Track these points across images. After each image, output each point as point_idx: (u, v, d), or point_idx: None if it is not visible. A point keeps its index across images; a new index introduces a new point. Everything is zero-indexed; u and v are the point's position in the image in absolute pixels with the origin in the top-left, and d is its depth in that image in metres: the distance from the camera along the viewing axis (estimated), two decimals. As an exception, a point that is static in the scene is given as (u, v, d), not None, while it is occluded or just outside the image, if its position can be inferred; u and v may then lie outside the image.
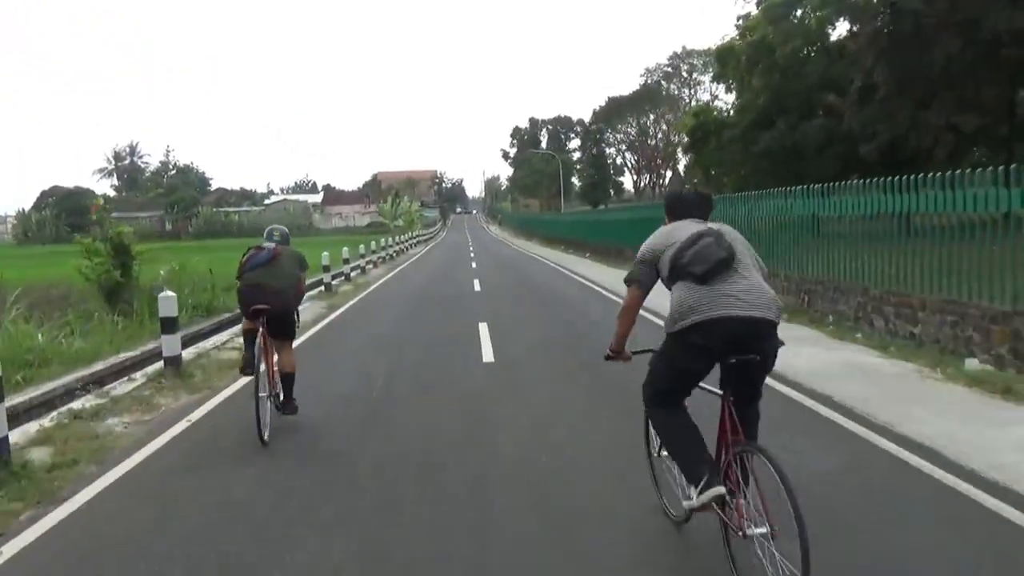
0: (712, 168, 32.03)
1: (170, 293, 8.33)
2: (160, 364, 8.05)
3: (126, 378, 7.63)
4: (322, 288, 17.24)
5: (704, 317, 3.14)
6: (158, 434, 5.92)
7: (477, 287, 18.05)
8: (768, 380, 3.53)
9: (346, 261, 21.29)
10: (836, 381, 6.77)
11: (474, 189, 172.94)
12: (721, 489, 3.13)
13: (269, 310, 5.70)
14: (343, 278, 20.24)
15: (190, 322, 10.24)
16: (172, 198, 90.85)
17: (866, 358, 7.72)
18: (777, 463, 2.85)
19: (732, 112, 31.08)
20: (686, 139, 32.86)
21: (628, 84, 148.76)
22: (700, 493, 3.20)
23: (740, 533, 3.03)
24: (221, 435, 5.88)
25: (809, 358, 7.65)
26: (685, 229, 3.40)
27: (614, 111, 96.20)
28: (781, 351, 3.31)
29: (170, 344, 8.08)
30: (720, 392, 3.30)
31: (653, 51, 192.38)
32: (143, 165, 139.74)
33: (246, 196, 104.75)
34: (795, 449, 4.74)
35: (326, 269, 18.26)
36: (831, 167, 26.39)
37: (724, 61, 32.16)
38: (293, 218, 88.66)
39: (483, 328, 10.54)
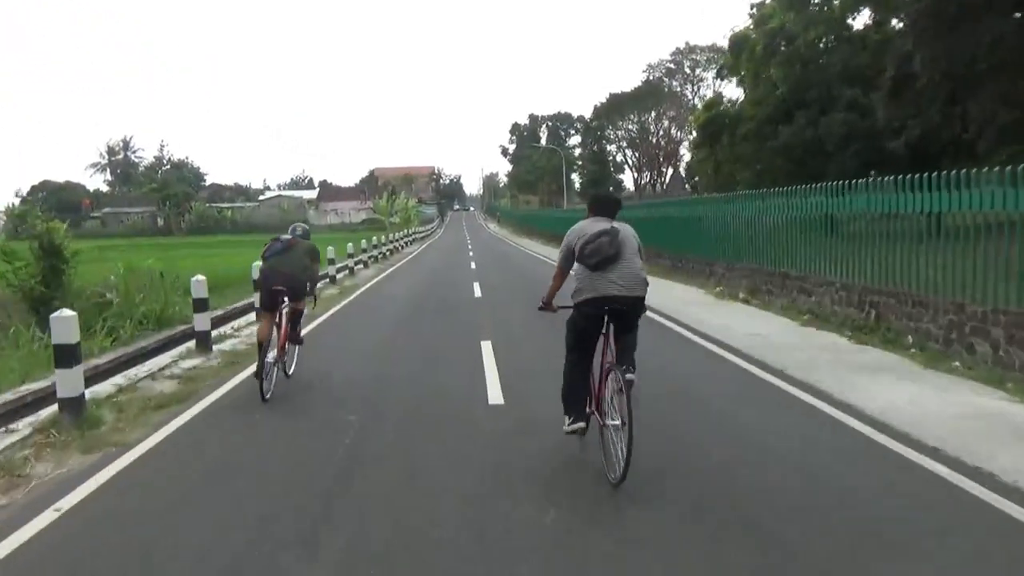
0: (725, 164, 30.42)
1: (67, 313, 6.04)
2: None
3: (3, 428, 5.56)
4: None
5: (592, 295, 4.66)
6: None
7: (477, 292, 16.29)
8: (877, 436, 5.16)
9: (331, 262, 19.58)
10: (979, 443, 4.79)
11: (472, 186, 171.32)
12: (581, 425, 4.82)
13: (283, 290, 6.97)
14: (328, 280, 18.64)
15: (133, 338, 8.62)
16: (164, 193, 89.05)
17: (992, 401, 5.84)
18: (621, 375, 4.36)
19: (743, 106, 29.40)
20: (695, 135, 31.13)
21: (629, 81, 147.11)
22: (569, 424, 4.85)
23: (602, 424, 4.66)
24: (97, 542, 3.73)
25: (913, 400, 5.86)
26: (592, 227, 4.75)
27: (615, 107, 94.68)
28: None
29: (67, 381, 5.84)
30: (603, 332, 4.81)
31: (655, 48, 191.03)
32: (137, 160, 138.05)
33: (240, 192, 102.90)
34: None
35: None
36: (851, 163, 24.86)
37: (738, 51, 30.53)
38: (287, 214, 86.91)
39: (486, 350, 8.58)
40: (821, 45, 26.30)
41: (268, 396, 6.58)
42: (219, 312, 9.84)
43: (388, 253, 32.87)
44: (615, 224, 4.70)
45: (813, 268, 10.34)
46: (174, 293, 11.14)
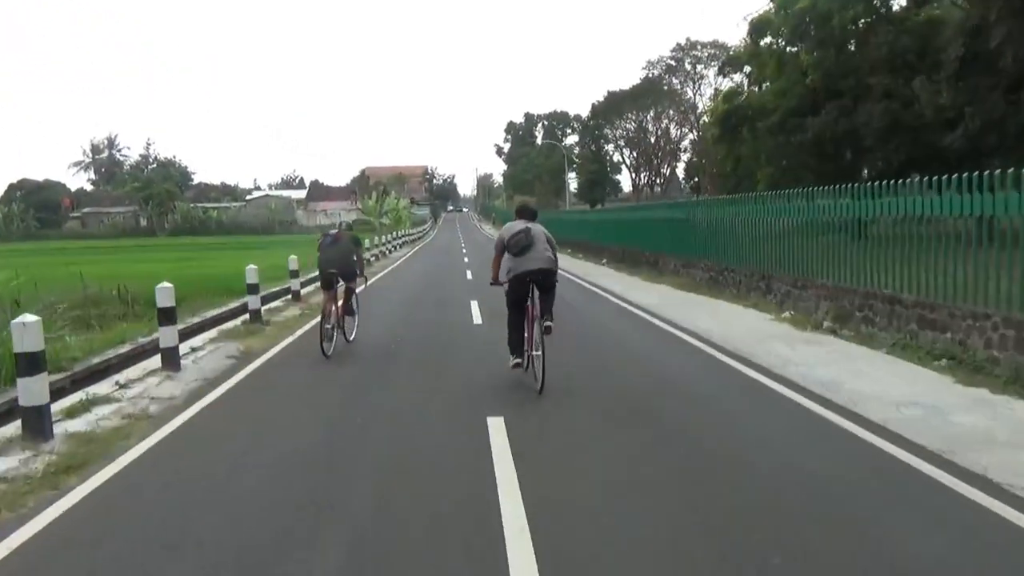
0: (745, 160, 27.61)
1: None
2: None
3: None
4: (247, 317, 11.71)
5: (517, 272, 7.12)
6: None
7: (476, 317, 12.61)
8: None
9: (295, 274, 15.82)
10: None
11: (466, 187, 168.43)
12: (519, 360, 7.17)
13: (336, 272, 9.25)
14: (290, 298, 15.23)
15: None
16: (145, 193, 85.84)
17: None
18: (541, 324, 6.93)
19: (765, 97, 26.56)
20: (713, 129, 28.30)
21: (627, 80, 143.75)
22: (513, 361, 7.19)
23: (529, 353, 7.15)
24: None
25: None
26: (515, 227, 7.24)
27: (613, 105, 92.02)
28: None
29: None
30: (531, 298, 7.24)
31: (653, 47, 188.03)
32: (122, 159, 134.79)
33: (227, 191, 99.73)
34: None
35: (253, 290, 11.97)
36: (895, 159, 22.10)
37: (759, 36, 27.69)
38: (274, 215, 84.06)
39: (496, 437, 5.40)
40: (857, 27, 23.51)
41: (330, 354, 8.75)
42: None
43: (374, 259, 30.00)
44: (530, 225, 7.25)
45: (949, 294, 7.49)
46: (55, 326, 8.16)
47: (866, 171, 26.62)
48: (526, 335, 7.11)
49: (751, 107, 25.72)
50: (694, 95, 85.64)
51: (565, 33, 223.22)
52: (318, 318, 9.63)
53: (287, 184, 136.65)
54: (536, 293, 7.07)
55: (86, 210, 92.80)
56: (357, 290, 9.86)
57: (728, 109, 26.18)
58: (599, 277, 20.36)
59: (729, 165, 28.62)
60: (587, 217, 31.88)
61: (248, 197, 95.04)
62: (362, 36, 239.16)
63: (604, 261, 24.60)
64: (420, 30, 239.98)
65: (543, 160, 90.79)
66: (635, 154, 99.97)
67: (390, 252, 34.11)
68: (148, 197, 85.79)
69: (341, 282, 9.17)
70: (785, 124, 25.37)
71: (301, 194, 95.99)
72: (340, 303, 9.15)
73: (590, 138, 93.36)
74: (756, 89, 27.97)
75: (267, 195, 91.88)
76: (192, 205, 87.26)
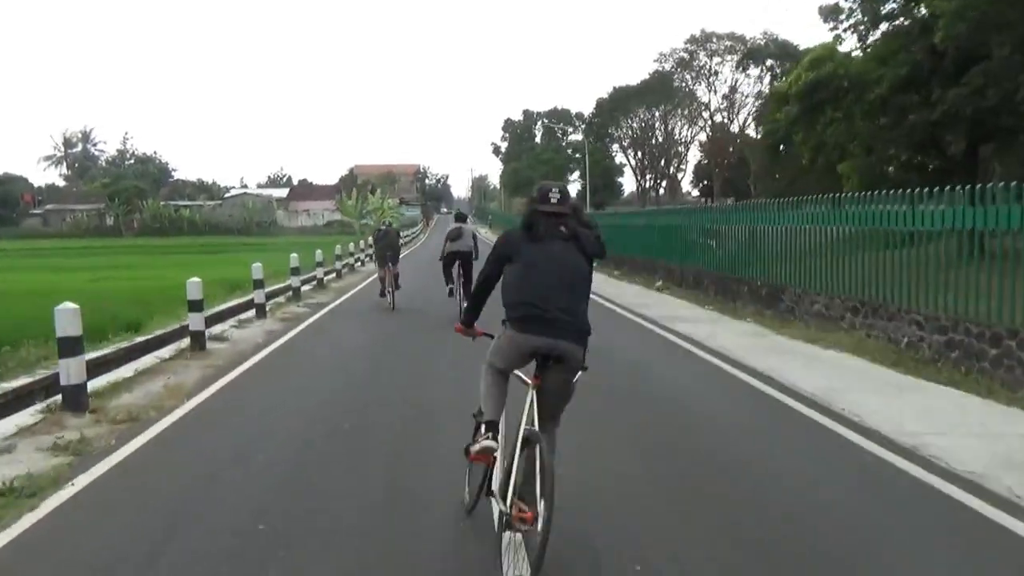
0: (825, 150, 21.15)
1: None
2: None
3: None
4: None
5: (448, 251, 12.71)
6: None
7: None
8: None
9: (259, 284, 13.20)
10: None
11: (460, 189, 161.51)
12: (451, 287, 13.22)
13: (390, 255, 14.68)
14: (253, 313, 12.87)
15: None
16: (111, 189, 78.79)
17: None
18: (462, 287, 12.67)
19: (862, 65, 19.99)
20: (790, 109, 21.66)
21: (631, 77, 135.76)
22: (448, 288, 13.41)
23: (453, 288, 13.14)
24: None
25: None
26: (453, 225, 13.17)
27: (620, 102, 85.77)
28: None
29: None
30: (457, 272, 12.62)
31: (662, 40, 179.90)
32: (97, 153, 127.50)
33: (203, 189, 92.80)
34: None
35: (195, 307, 9.76)
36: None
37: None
38: (252, 214, 77.26)
39: None
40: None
41: (389, 306, 14.45)
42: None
43: (344, 270, 23.44)
44: (462, 225, 12.90)
45: None
46: None
47: (997, 166, 20.32)
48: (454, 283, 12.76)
49: (849, 76, 19.17)
50: (710, 91, 79.55)
51: (566, 26, 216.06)
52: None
53: (274, 183, 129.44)
54: (460, 267, 12.57)
55: (49, 207, 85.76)
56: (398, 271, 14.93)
57: (815, 79, 19.62)
58: (621, 294, 15.37)
59: (806, 155, 22.10)
60: (627, 222, 25.32)
61: (227, 195, 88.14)
62: (354, 29, 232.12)
63: (659, 284, 18.11)
64: (414, 22, 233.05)
65: (552, 154, 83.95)
66: (640, 155, 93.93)
67: (362, 264, 27.35)
68: (114, 194, 78.72)
69: (390, 266, 14.66)
70: (890, 101, 18.98)
71: (282, 192, 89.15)
72: (390, 278, 14.63)
73: (594, 137, 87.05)
74: (855, 52, 21.27)
75: (244, 193, 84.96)
76: (163, 203, 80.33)
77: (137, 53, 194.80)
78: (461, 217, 13.47)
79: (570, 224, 3.62)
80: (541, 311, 3.44)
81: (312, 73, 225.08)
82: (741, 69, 72.48)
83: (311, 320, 13.05)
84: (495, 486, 3.54)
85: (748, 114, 77.95)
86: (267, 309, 13.44)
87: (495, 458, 3.57)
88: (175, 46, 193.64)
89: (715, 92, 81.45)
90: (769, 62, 70.63)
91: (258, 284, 13.37)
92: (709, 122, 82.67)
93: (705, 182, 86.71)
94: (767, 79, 72.27)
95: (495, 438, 3.51)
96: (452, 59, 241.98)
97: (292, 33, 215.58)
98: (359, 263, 27.20)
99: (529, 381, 3.55)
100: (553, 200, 3.62)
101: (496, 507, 3.53)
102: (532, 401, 3.49)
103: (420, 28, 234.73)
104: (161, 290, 16.44)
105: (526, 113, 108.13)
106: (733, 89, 79.82)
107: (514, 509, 3.25)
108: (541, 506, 3.08)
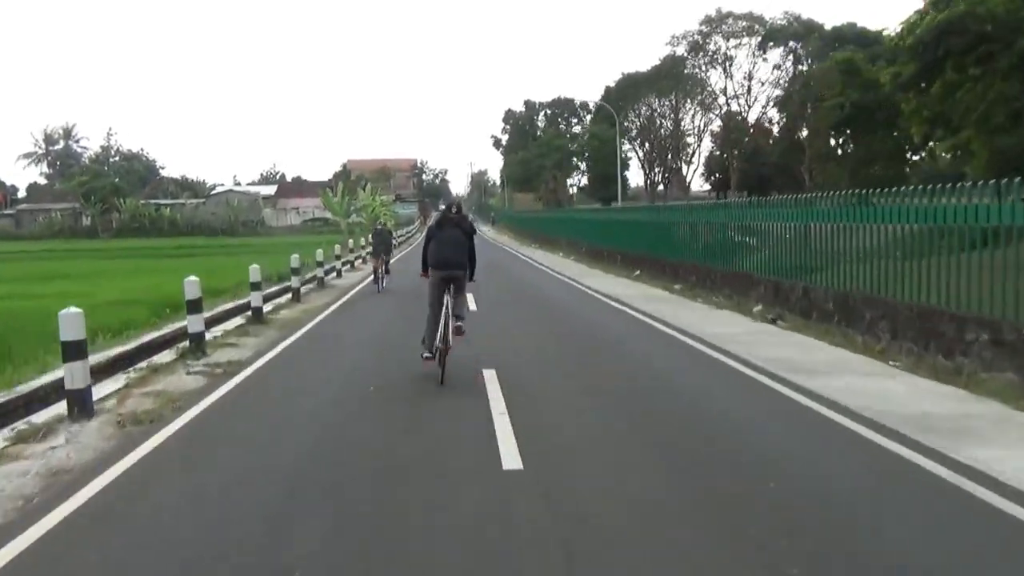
0: (941, 122, 15.95)
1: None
2: None
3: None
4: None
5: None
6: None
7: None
8: None
9: (194, 307, 9.74)
10: None
11: (459, 185, 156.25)
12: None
13: (383, 247, 18.07)
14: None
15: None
16: (86, 187, 73.54)
17: None
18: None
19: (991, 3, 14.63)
20: (906, 68, 16.25)
21: (639, 64, 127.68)
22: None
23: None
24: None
25: None
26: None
27: (630, 89, 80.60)
28: None
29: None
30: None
31: (668, 27, 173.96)
32: (80, 150, 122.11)
33: (187, 186, 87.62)
34: None
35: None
36: None
37: None
38: (237, 213, 72.06)
39: None
40: None
41: (380, 291, 17.01)
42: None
43: (322, 280, 18.47)
44: (457, 216, 8.77)
45: None
46: None
47: None
48: None
49: (993, 17, 13.90)
50: (726, 76, 74.27)
51: (569, 12, 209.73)
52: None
53: (267, 180, 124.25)
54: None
55: (22, 207, 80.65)
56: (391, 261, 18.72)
57: (944, 21, 14.28)
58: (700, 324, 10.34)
59: (916, 131, 16.88)
60: (647, 218, 20.63)
61: (213, 192, 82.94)
62: (348, 19, 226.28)
63: (641, 277, 13.29)
64: (408, 10, 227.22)
65: (564, 141, 78.31)
66: (648, 147, 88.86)
67: (354, 265, 22.28)
68: (90, 193, 73.43)
69: (383, 256, 17.82)
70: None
71: (270, 190, 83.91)
72: (382, 266, 17.76)
73: (606, 125, 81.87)
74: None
75: (229, 191, 79.74)
76: (143, 202, 75.15)
77: (122, 45, 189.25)
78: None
79: (459, 221, 8.35)
80: (444, 260, 8.02)
81: (305, 66, 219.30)
82: (761, 50, 67.59)
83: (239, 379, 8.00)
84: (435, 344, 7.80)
85: (768, 100, 73.00)
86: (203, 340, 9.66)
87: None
88: (161, 38, 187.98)
89: (731, 78, 76.29)
90: (792, 43, 65.74)
91: (193, 307, 9.71)
92: (724, 109, 77.48)
93: (717, 175, 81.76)
94: (788, 61, 67.40)
95: (432, 354, 7.77)
96: (449, 48, 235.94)
97: (284, 25, 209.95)
98: (348, 266, 22.28)
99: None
100: (453, 211, 8.51)
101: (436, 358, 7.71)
102: (448, 300, 7.91)
103: (415, 17, 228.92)
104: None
105: (528, 104, 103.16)
106: (750, 75, 74.52)
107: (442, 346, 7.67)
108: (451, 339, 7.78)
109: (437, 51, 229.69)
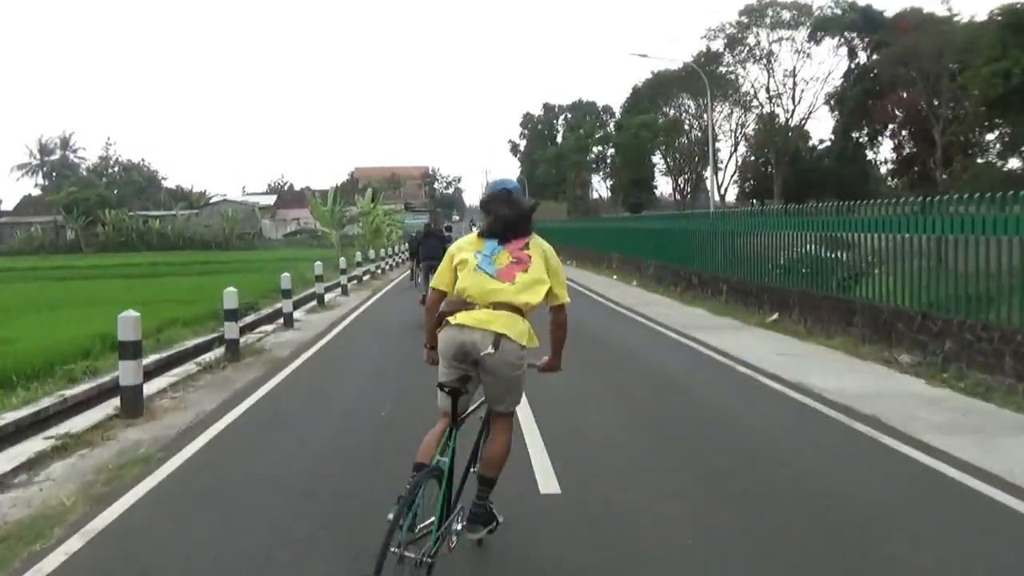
0: None
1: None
2: None
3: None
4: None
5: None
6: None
7: None
8: None
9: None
10: None
11: (471, 196, 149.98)
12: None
13: (419, 255, 16.28)
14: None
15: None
16: (70, 199, 67.62)
17: None
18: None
19: None
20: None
21: (668, 64, 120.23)
22: None
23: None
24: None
25: None
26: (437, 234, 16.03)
27: (659, 88, 73.99)
28: None
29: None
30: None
31: (695, 28, 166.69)
32: (77, 160, 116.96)
33: (181, 196, 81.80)
34: None
35: None
36: None
37: None
38: (232, 224, 65.98)
39: None
40: None
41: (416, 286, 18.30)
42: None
43: (287, 322, 12.05)
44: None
45: None
46: None
47: None
48: None
49: None
50: (768, 73, 67.37)
51: (593, 10, 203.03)
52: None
53: (275, 191, 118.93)
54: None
55: (2, 220, 75.05)
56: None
57: None
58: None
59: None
60: (693, 226, 14.62)
61: (205, 203, 76.99)
62: (358, 24, 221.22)
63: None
64: (420, 11, 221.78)
65: (588, 141, 71.50)
66: (674, 153, 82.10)
67: (319, 303, 15.89)
68: (72, 204, 67.47)
69: (418, 261, 16.81)
70: None
71: (269, 200, 77.88)
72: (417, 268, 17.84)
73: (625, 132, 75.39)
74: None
75: (224, 200, 73.65)
76: (131, 213, 69.25)
77: (123, 52, 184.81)
78: (431, 225, 18.26)
79: (436, 234, 15.34)
80: (430, 259, 13.14)
81: (314, 72, 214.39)
82: (812, 41, 60.78)
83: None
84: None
85: (814, 98, 66.19)
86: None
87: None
88: (164, 44, 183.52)
89: (772, 75, 69.43)
90: (847, 34, 58.87)
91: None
92: (764, 109, 70.70)
93: (752, 181, 75.04)
94: (842, 53, 60.36)
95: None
96: (463, 50, 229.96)
97: (290, 29, 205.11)
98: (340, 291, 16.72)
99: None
100: (432, 227, 17.25)
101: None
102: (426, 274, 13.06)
103: (426, 19, 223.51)
104: None
105: (546, 107, 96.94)
106: (794, 72, 67.58)
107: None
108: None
109: (450, 53, 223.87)
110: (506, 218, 3.55)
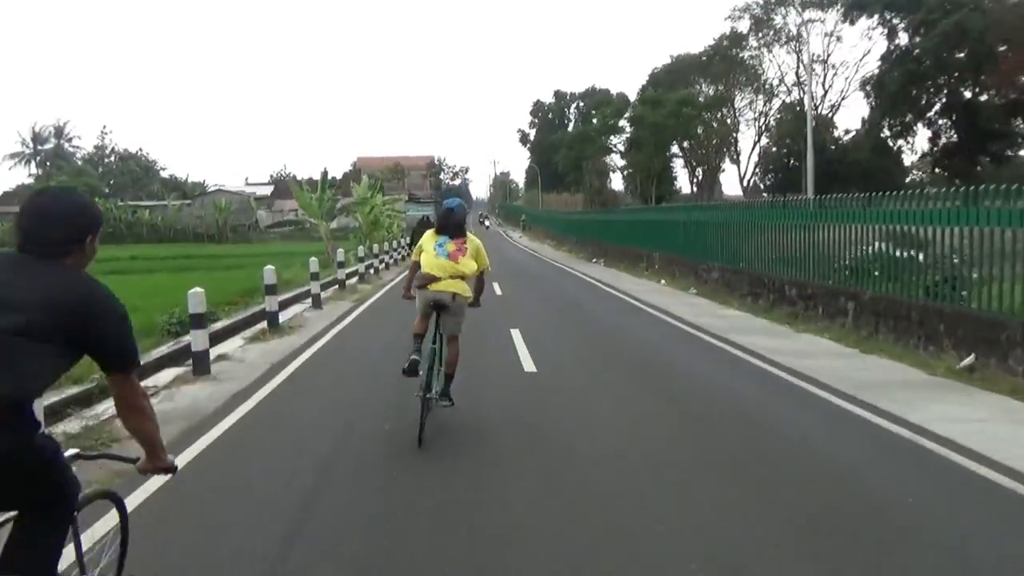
0: None
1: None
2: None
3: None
4: None
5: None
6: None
7: None
8: None
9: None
10: None
11: (479, 186, 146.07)
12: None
13: None
14: None
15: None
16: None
17: None
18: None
19: None
20: None
21: (682, 49, 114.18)
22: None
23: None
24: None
25: None
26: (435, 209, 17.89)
27: (680, 74, 69.76)
28: None
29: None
30: None
31: (707, 17, 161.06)
32: (72, 150, 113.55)
33: (175, 187, 78.13)
34: None
35: None
36: None
37: None
38: (225, 215, 62.34)
39: None
40: None
41: None
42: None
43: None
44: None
45: None
46: None
47: None
48: None
49: None
50: (797, 55, 63.06)
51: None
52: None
53: (276, 182, 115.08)
54: None
55: (-20, 212, 71.16)
56: None
57: None
58: None
59: None
60: (744, 218, 11.96)
61: (199, 193, 73.26)
62: (359, 9, 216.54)
63: None
64: (429, 16, 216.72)
65: (604, 125, 67.33)
66: (690, 143, 77.78)
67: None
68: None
69: None
70: None
71: (267, 190, 74.13)
72: None
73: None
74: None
75: (219, 190, 69.82)
76: (118, 204, 65.73)
77: (119, 37, 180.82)
78: (427, 218, 12.95)
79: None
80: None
81: (316, 60, 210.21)
82: (847, 21, 56.46)
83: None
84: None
85: (846, 84, 61.84)
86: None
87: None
88: (162, 30, 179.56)
89: (801, 59, 65.06)
90: (887, 13, 54.48)
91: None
92: (792, 95, 66.53)
93: (775, 173, 70.87)
94: (876, 35, 55.93)
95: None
96: (470, 36, 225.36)
97: (294, 15, 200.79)
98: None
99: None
100: (427, 220, 17.89)
101: None
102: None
103: (434, 4, 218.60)
104: None
105: (557, 94, 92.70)
106: (826, 57, 63.22)
107: None
108: None
109: (457, 39, 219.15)
110: (451, 225, 6.17)
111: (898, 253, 9.48)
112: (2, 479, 2.08)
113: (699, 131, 67.99)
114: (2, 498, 2.15)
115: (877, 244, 10.05)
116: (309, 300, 14.22)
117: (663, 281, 18.11)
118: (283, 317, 12.10)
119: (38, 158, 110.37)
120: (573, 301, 16.03)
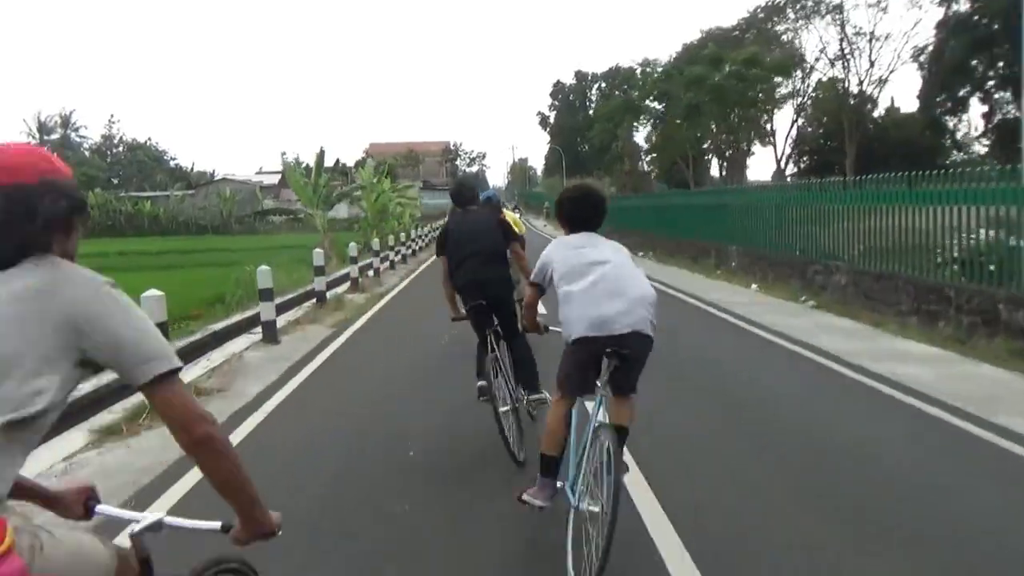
0: None
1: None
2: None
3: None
4: None
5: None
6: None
7: None
8: None
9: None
10: None
11: (496, 173, 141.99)
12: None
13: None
14: None
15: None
16: (49, 178, 60.87)
17: None
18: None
19: None
20: None
21: (701, 27, 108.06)
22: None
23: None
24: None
25: None
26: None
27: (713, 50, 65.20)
28: None
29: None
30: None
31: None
32: (79, 139, 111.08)
33: (179, 176, 75.02)
34: None
35: None
36: None
37: None
38: (230, 205, 59.31)
39: None
40: None
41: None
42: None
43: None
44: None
45: None
46: None
47: None
48: None
49: None
50: (841, 27, 58.35)
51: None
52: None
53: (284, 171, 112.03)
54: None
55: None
56: None
57: None
58: None
59: None
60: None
61: (203, 182, 70.05)
62: (379, 10, 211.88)
63: None
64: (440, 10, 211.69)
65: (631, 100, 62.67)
66: (739, 114, 72.85)
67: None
68: (52, 185, 60.72)
69: None
70: None
71: (273, 179, 70.73)
72: None
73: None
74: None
75: (224, 179, 66.53)
76: (119, 195, 62.78)
77: (128, 25, 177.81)
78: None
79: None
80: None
81: (330, 47, 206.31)
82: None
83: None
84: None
85: (894, 56, 57.28)
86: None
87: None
88: (172, 16, 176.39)
89: (844, 32, 60.33)
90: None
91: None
92: (831, 72, 61.90)
93: (811, 155, 66.39)
94: (926, 1, 51.14)
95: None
96: (487, 15, 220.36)
97: (315, 6, 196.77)
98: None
99: None
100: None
101: None
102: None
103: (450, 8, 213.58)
104: None
105: (579, 75, 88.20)
106: (872, 33, 58.39)
107: None
108: None
109: (473, 20, 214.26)
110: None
111: None
112: None
113: (760, 97, 61.53)
114: None
115: None
116: (259, 329, 9.60)
117: (754, 286, 14.08)
118: (196, 369, 7.79)
119: (44, 148, 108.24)
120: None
